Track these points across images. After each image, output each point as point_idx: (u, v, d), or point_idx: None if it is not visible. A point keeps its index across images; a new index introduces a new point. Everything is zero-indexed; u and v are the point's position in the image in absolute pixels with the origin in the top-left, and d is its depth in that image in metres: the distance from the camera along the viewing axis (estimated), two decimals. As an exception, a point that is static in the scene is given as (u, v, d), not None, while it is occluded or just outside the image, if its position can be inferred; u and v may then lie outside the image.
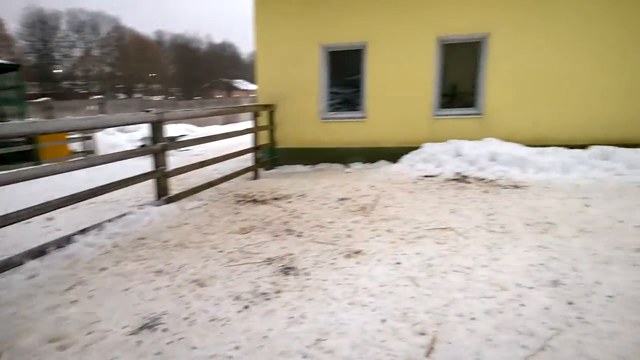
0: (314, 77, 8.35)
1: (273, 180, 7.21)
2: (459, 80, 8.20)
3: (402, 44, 7.89)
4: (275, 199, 5.90)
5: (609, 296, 2.88)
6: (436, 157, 7.37)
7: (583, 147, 7.10)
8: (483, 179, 6.52)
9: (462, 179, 6.61)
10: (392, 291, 3.08)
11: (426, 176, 6.92)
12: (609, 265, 3.37)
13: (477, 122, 7.82)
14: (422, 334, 2.55)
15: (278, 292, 3.14)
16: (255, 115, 7.79)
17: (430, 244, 3.98)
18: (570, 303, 2.82)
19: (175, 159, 9.59)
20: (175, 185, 6.49)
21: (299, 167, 8.47)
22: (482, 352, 2.36)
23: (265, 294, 3.12)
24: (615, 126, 7.25)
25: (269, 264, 3.65)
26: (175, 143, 6.16)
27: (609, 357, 2.26)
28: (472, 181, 6.45)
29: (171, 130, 14.15)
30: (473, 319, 2.69)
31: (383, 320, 2.70)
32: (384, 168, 7.68)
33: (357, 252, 3.84)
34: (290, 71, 8.39)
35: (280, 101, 8.48)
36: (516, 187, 6.03)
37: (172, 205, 5.44)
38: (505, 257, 3.61)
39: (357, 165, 8.18)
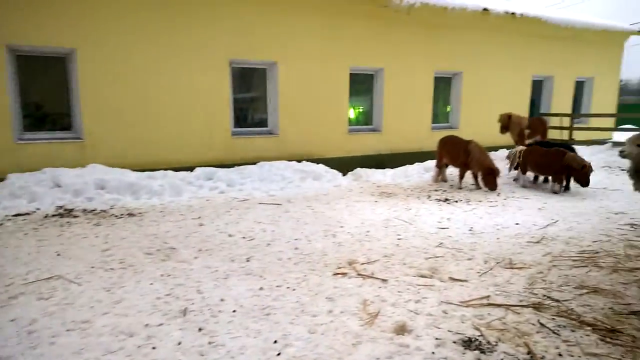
0: None
1: None
2: (50, 100, 7.31)
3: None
4: None
5: (233, 311, 3.14)
6: (28, 190, 6.22)
7: (191, 169, 7.77)
8: (93, 211, 6.00)
9: (66, 213, 5.85)
10: (-27, 389, 2.25)
11: (17, 215, 5.71)
12: (228, 279, 3.72)
13: (77, 147, 7.16)
14: None
15: None
16: None
17: (31, 303, 3.22)
18: (200, 329, 2.88)
19: None
20: None
21: None
22: None
23: None
24: (220, 149, 8.32)
25: None
26: None
27: (243, 373, 2.41)
28: (79, 214, 5.82)
29: None
30: (99, 385, 2.30)
31: None
32: (-54, 211, 5.80)
33: None
34: None
35: None
36: (131, 215, 5.87)
37: None
38: (129, 296, 3.36)
39: None
